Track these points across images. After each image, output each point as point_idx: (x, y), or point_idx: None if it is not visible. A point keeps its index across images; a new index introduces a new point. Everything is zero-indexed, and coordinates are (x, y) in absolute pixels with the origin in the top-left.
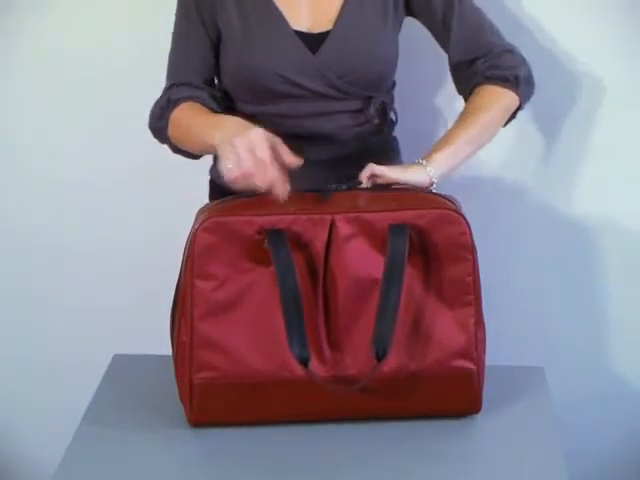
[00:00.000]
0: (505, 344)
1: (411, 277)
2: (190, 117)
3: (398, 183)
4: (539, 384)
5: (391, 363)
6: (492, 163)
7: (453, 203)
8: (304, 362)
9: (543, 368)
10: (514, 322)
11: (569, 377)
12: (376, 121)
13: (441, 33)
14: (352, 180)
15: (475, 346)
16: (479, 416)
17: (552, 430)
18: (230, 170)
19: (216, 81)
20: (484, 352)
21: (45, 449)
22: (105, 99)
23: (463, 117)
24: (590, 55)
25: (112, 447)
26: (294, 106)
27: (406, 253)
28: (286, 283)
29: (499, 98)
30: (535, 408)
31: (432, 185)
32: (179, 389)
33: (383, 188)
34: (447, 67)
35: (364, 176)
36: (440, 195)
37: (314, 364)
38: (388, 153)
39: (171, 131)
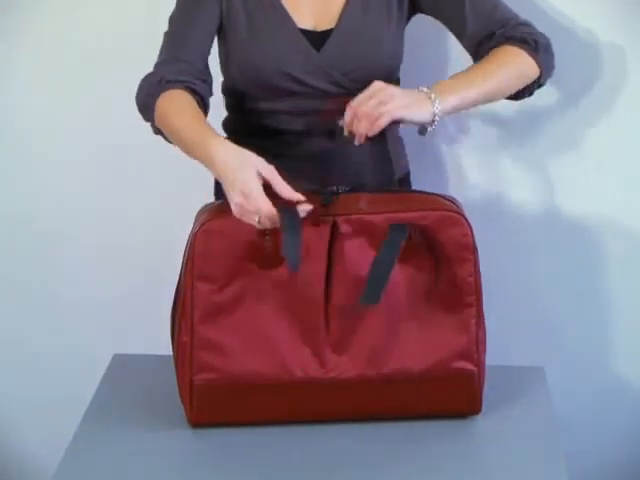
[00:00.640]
0: (505, 344)
1: (413, 278)
2: (180, 118)
3: (400, 122)
4: (539, 384)
5: (392, 364)
6: (492, 163)
7: (455, 204)
8: (294, 267)
9: (543, 368)
10: (514, 322)
11: (569, 377)
12: None
13: (456, 25)
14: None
15: (476, 347)
16: (479, 416)
17: (552, 430)
18: (234, 212)
19: (222, 79)
20: (484, 353)
21: (45, 448)
22: (105, 98)
23: (479, 66)
24: (591, 56)
25: (112, 447)
26: (298, 103)
27: (402, 242)
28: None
29: (516, 59)
30: (535, 408)
31: (432, 123)
32: (179, 390)
33: (385, 190)
34: (451, 67)
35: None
36: (442, 196)
37: (314, 366)
38: (392, 153)
39: (157, 118)
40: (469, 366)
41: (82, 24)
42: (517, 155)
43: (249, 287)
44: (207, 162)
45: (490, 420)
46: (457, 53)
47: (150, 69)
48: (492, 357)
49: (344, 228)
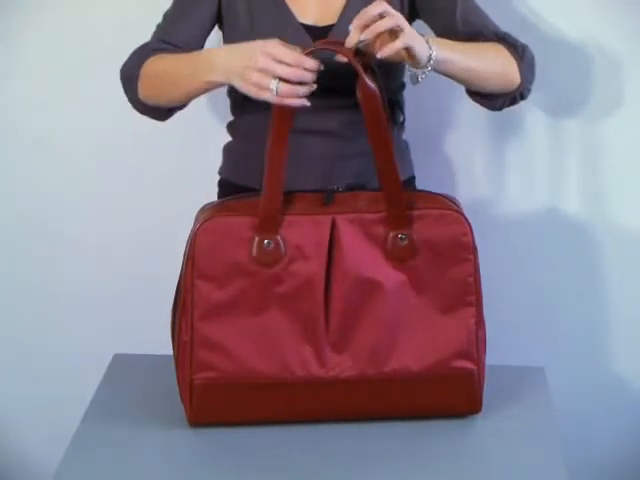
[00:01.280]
0: (505, 344)
1: (413, 277)
2: (167, 62)
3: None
4: (539, 384)
5: (392, 363)
6: (492, 162)
7: (454, 203)
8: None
9: (543, 368)
10: (514, 322)
11: (569, 377)
12: None
13: (445, 34)
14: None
15: (476, 346)
16: (479, 416)
17: (552, 430)
18: (271, 98)
19: None
20: (484, 352)
21: (45, 448)
22: (105, 98)
23: (471, 44)
24: (590, 62)
25: (112, 447)
26: None
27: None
28: None
29: (503, 55)
30: (535, 408)
31: (426, 67)
32: (179, 389)
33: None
34: None
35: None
36: (441, 195)
37: (314, 365)
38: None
39: (144, 83)
40: (469, 365)
41: (82, 24)
42: (517, 155)
43: (249, 286)
44: (208, 70)
45: (490, 420)
46: None
47: None
48: (492, 357)
49: (343, 227)
